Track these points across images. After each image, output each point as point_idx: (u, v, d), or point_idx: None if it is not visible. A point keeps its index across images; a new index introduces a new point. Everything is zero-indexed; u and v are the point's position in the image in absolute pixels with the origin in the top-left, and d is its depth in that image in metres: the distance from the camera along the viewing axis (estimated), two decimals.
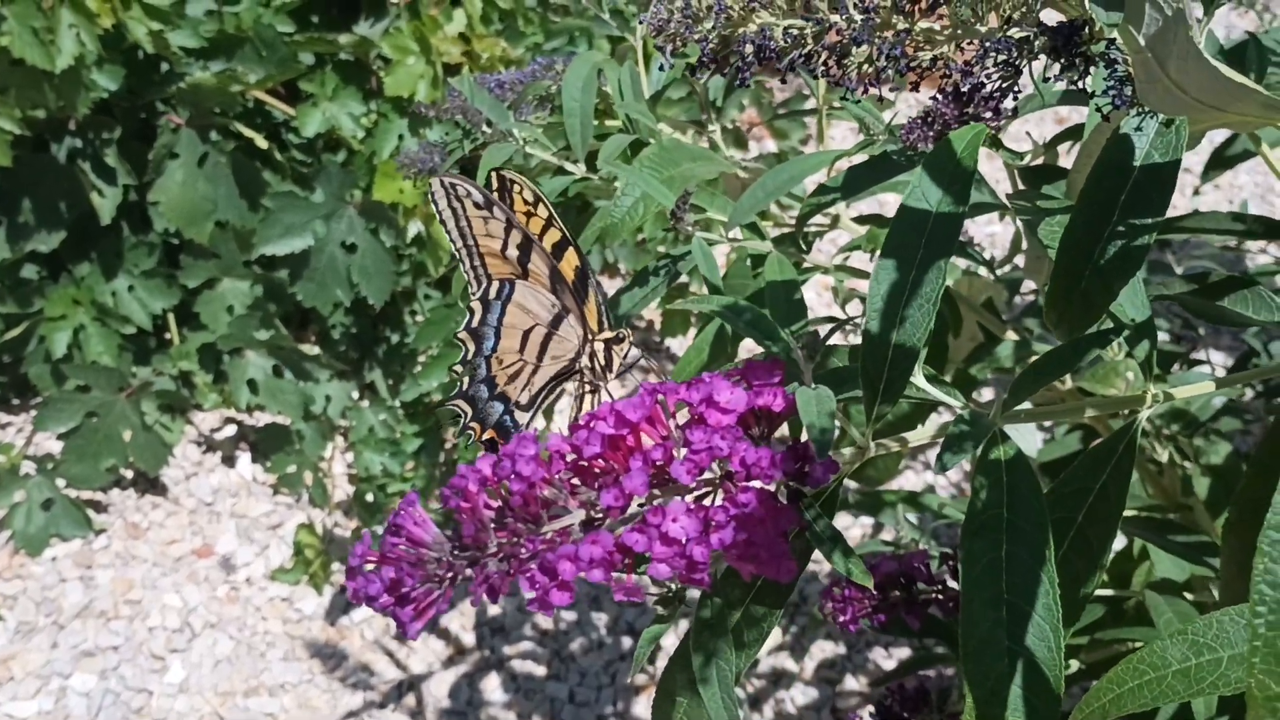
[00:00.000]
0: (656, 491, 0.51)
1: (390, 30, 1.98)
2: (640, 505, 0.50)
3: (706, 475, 0.52)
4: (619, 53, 1.34)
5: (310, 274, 1.95)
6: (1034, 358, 0.76)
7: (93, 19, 1.72)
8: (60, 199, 1.89)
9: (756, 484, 0.51)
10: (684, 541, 0.48)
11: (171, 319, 2.05)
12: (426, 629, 1.84)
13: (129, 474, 2.02)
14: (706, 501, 0.51)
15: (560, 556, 0.46)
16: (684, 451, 0.49)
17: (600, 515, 0.49)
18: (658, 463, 0.50)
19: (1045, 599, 0.57)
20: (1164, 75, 0.57)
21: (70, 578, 1.86)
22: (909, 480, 2.09)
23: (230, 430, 2.13)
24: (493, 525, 0.46)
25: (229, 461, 2.08)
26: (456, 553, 0.46)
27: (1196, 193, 2.53)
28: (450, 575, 0.45)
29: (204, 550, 1.93)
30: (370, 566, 0.46)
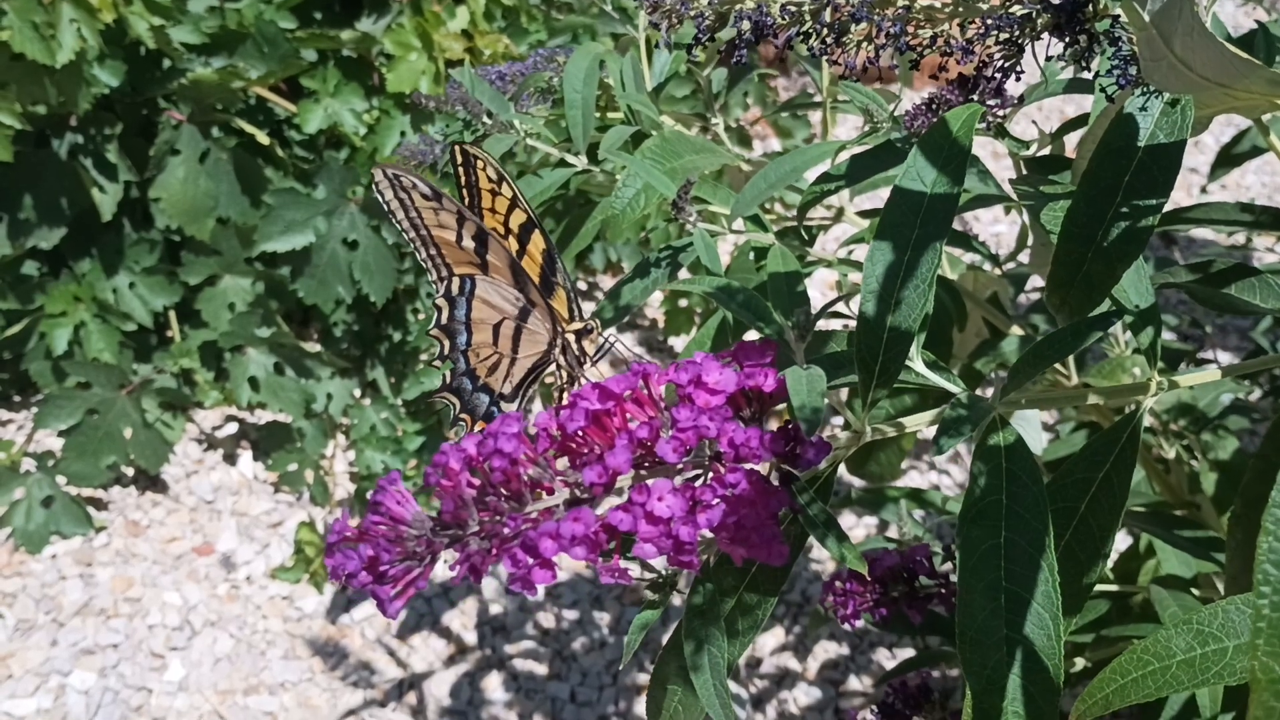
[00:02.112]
0: (644, 472, 0.50)
1: (393, 26, 1.97)
2: (629, 487, 0.49)
3: (696, 457, 0.51)
4: (621, 45, 1.33)
5: (312, 271, 1.94)
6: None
7: (94, 14, 1.71)
8: (61, 195, 1.89)
9: (747, 465, 0.49)
10: (670, 521, 0.47)
11: (173, 316, 2.04)
12: (428, 628, 1.83)
13: (129, 472, 2.01)
14: (697, 484, 0.50)
15: (542, 534, 0.45)
16: (670, 430, 0.48)
17: (585, 494, 0.47)
18: (644, 441, 0.49)
19: (1045, 587, 0.56)
20: (1169, 52, 0.56)
21: (70, 575, 1.85)
22: (913, 479, 2.08)
23: (231, 428, 2.12)
24: (475, 504, 0.45)
25: (230, 459, 2.07)
26: (437, 530, 0.45)
27: (1204, 191, 2.52)
28: (430, 553, 0.44)
29: (204, 548, 1.93)
30: (350, 544, 0.45)
